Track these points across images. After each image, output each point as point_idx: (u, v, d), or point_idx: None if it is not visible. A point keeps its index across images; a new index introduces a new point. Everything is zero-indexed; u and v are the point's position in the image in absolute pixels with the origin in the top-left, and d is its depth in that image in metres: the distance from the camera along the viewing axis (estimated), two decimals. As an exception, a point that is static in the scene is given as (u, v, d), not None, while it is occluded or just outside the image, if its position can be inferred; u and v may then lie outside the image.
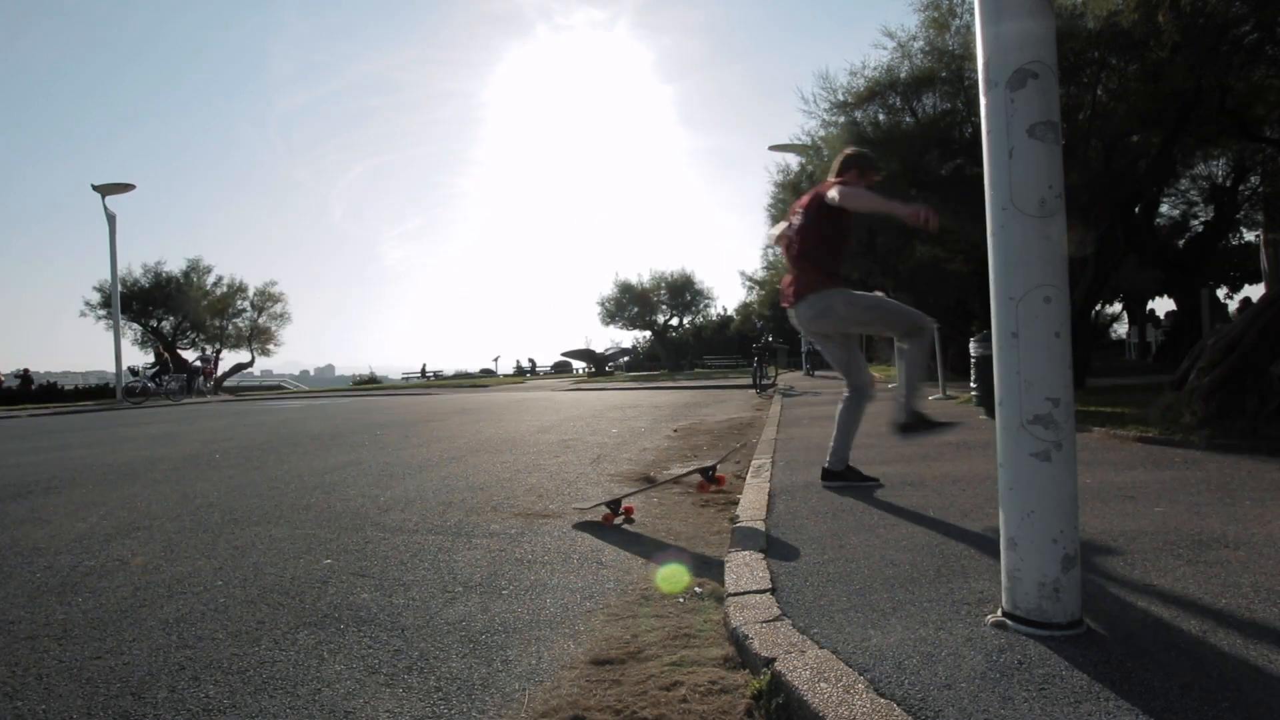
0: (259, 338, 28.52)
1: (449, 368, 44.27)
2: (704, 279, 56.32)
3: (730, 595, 2.21)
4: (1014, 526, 1.80)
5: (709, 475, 4.16)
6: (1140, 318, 23.05)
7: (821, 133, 10.18)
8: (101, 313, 24.96)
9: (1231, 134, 8.49)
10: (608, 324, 39.59)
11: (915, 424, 3.46)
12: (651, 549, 2.96)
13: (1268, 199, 12.03)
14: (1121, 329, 27.95)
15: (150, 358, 24.41)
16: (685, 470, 4.48)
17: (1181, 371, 5.39)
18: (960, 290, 14.17)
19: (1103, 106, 7.58)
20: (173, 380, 20.80)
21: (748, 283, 36.68)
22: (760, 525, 3.02)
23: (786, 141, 14.96)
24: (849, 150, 3.73)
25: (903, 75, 8.76)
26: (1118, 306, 25.67)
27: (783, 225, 3.84)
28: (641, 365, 39.41)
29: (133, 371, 20.66)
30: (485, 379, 30.56)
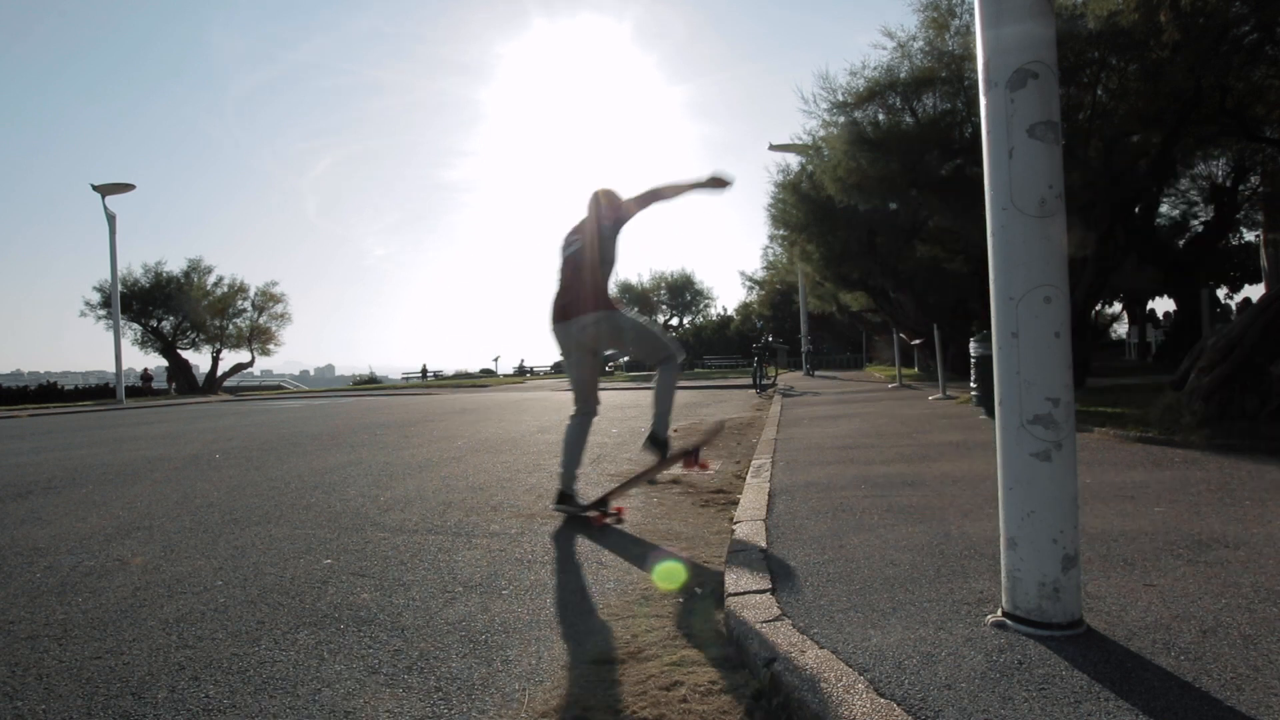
0: (259, 338, 28.54)
1: (449, 368, 44.41)
2: (704, 279, 56.37)
3: (730, 595, 2.21)
4: (1014, 526, 1.80)
5: (694, 455, 3.76)
6: (1140, 318, 23.04)
7: (822, 133, 10.19)
8: (102, 313, 25.00)
9: (1231, 134, 8.51)
10: (608, 324, 39.56)
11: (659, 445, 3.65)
12: (651, 549, 2.96)
13: (1268, 199, 12.05)
14: (1121, 329, 27.98)
15: (151, 358, 24.32)
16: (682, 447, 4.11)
17: (1181, 371, 5.39)
18: (960, 290, 14.17)
19: (1103, 106, 7.59)
20: None
21: (748, 283, 36.74)
22: (760, 525, 3.02)
23: (788, 141, 14.98)
24: None
25: (902, 75, 8.77)
26: (1118, 306, 25.69)
27: None
28: (641, 365, 39.41)
29: None
30: (485, 379, 30.56)
